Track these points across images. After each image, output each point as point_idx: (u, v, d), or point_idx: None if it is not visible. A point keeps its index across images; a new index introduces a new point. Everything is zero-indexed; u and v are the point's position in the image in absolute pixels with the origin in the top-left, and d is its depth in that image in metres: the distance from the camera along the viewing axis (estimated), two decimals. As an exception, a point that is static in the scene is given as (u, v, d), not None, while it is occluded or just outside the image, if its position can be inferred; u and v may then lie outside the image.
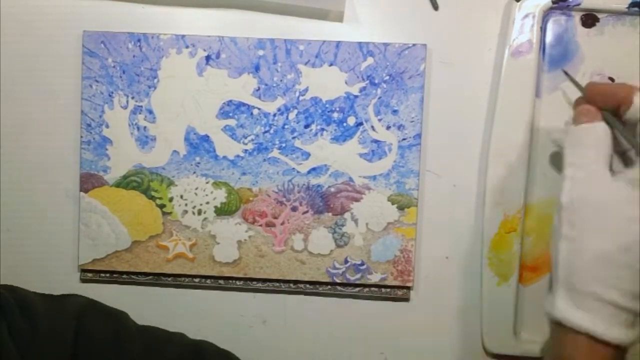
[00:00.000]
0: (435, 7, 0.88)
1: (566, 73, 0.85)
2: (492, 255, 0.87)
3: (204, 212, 0.89)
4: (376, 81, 0.86)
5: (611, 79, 0.87)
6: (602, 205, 0.68)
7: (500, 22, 0.88)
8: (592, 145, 0.71)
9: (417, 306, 0.90)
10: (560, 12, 0.87)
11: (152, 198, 0.89)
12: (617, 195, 0.68)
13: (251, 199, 0.88)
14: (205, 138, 0.88)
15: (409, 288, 0.89)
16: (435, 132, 0.88)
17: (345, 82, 0.87)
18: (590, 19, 0.87)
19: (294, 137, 0.88)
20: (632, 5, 0.85)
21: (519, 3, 0.85)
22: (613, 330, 0.66)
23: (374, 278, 0.88)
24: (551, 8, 0.86)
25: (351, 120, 0.87)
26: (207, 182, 0.89)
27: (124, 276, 0.91)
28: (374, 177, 0.87)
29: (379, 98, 0.86)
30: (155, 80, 0.88)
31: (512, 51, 0.85)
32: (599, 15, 0.87)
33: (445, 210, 0.90)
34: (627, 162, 0.75)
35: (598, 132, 0.72)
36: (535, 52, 0.85)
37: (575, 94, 0.78)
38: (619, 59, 0.87)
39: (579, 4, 0.85)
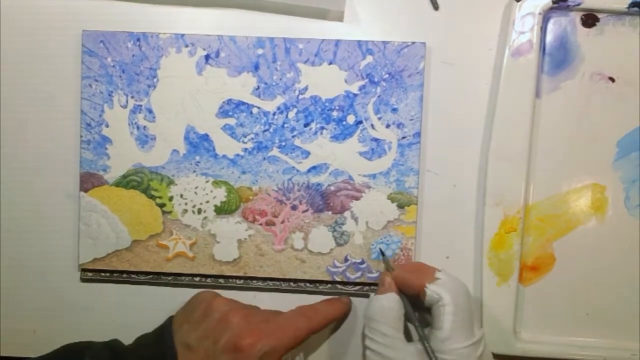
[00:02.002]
0: (436, 7, 0.88)
1: (382, 252, 0.88)
2: (492, 255, 0.87)
3: (204, 211, 0.89)
4: (376, 79, 0.86)
5: (611, 79, 0.87)
6: None
7: (501, 22, 0.88)
8: (384, 314, 0.80)
9: (417, 305, 0.91)
10: (561, 12, 0.87)
11: (152, 197, 0.89)
12: (410, 356, 0.78)
13: (251, 197, 0.89)
14: (205, 137, 0.88)
15: (409, 286, 0.89)
16: (435, 132, 0.89)
17: (345, 81, 0.87)
18: (590, 19, 0.87)
19: (293, 136, 0.88)
20: (632, 5, 0.85)
21: (519, 3, 0.85)
22: None
23: (374, 276, 0.88)
24: (551, 8, 0.86)
25: (351, 119, 0.87)
26: (207, 181, 0.89)
27: (124, 275, 0.91)
28: (374, 176, 0.87)
29: (379, 96, 0.86)
30: (155, 80, 0.88)
31: (512, 51, 0.85)
32: (599, 15, 0.87)
33: (445, 210, 0.90)
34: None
35: (390, 303, 0.81)
36: (536, 52, 0.85)
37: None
38: (619, 59, 0.87)
39: (579, 4, 0.85)
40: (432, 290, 0.78)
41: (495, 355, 0.89)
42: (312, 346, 0.92)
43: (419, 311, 0.82)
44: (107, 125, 0.89)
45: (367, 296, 0.89)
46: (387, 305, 0.80)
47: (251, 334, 0.79)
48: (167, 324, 0.84)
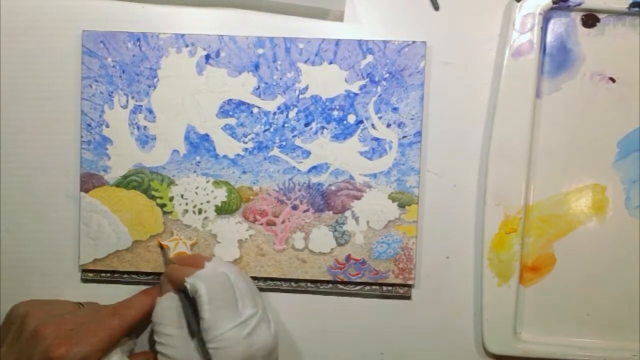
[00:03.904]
0: (436, 7, 0.88)
1: (160, 246, 0.90)
2: (493, 256, 0.87)
3: (205, 212, 0.89)
4: (376, 79, 0.86)
5: (612, 80, 0.87)
6: (186, 358, 0.80)
7: (501, 22, 0.88)
8: (165, 315, 0.82)
9: (418, 304, 0.90)
10: (561, 12, 0.87)
11: (153, 197, 0.89)
12: (193, 351, 0.80)
13: (252, 197, 0.88)
14: (206, 137, 0.88)
15: (410, 286, 0.89)
16: (435, 131, 0.89)
17: (345, 80, 0.87)
18: (590, 19, 0.87)
19: (294, 136, 0.88)
20: (632, 5, 0.85)
21: (519, 3, 0.85)
22: None
23: (375, 276, 0.88)
24: (552, 8, 0.86)
25: (351, 118, 0.87)
26: (207, 181, 0.89)
27: (125, 276, 0.91)
28: (375, 175, 0.87)
29: (379, 96, 0.86)
30: (155, 80, 0.88)
31: (512, 51, 0.85)
32: (600, 16, 0.87)
33: (445, 210, 0.90)
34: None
35: (168, 304, 0.82)
36: (536, 52, 0.85)
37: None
38: (620, 59, 0.87)
39: (579, 5, 0.85)
40: (189, 283, 0.79)
41: (495, 355, 0.89)
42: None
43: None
44: (107, 126, 0.89)
45: (368, 296, 0.90)
46: (166, 305, 0.82)
47: (62, 344, 0.77)
48: None
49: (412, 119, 0.86)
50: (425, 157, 0.89)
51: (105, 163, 0.89)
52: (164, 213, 0.89)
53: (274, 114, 0.87)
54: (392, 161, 0.87)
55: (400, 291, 0.89)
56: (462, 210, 0.90)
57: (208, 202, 0.89)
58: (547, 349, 0.89)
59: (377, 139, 0.87)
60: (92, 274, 0.91)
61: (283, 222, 0.89)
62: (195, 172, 0.88)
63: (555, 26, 0.87)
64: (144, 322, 0.86)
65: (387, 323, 0.91)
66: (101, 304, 0.88)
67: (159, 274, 0.90)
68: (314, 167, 0.88)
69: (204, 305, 0.77)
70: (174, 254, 0.88)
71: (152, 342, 0.88)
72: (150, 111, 0.88)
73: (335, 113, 0.87)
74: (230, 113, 0.88)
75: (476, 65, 0.88)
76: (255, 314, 0.79)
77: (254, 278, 0.89)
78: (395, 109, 0.86)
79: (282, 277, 0.89)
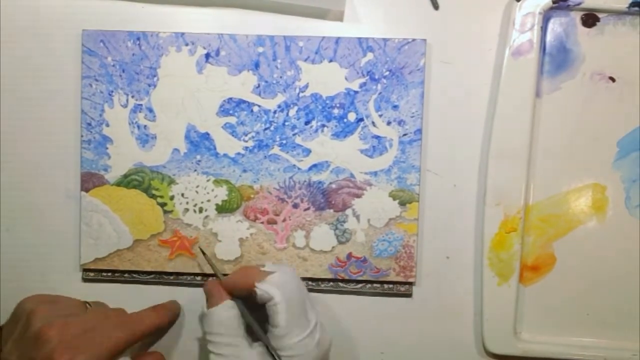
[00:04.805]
0: (436, 6, 0.88)
1: (203, 252, 0.89)
2: (493, 256, 0.87)
3: (205, 210, 0.89)
4: (376, 77, 0.86)
5: (612, 79, 0.87)
6: None
7: (501, 22, 0.88)
8: (223, 325, 0.79)
9: (419, 302, 0.90)
10: (561, 11, 0.87)
11: (153, 197, 0.89)
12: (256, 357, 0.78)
13: (252, 196, 0.88)
14: (206, 136, 0.88)
15: (411, 284, 0.89)
16: (436, 130, 0.89)
17: (345, 78, 0.87)
18: (590, 19, 0.87)
19: (294, 134, 0.88)
20: (632, 5, 0.85)
21: (519, 3, 0.85)
22: None
23: (377, 274, 0.88)
24: (551, 8, 0.86)
25: (352, 116, 0.87)
26: (208, 180, 0.89)
27: (126, 275, 0.91)
28: (375, 173, 0.87)
29: (379, 93, 0.87)
30: (155, 79, 0.88)
31: (512, 51, 0.85)
32: (600, 15, 0.87)
33: (445, 210, 0.90)
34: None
35: (227, 312, 0.80)
36: (536, 52, 0.85)
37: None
38: (620, 59, 0.87)
39: (579, 4, 0.85)
40: (261, 289, 0.77)
41: (495, 355, 0.89)
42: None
43: (258, 309, 0.81)
44: (107, 125, 0.89)
45: (369, 294, 0.90)
46: (225, 315, 0.80)
47: (66, 351, 0.76)
48: None
49: (412, 117, 0.87)
50: (426, 157, 0.89)
51: (105, 162, 0.89)
52: (165, 212, 0.89)
53: (274, 112, 0.88)
54: (393, 159, 0.87)
55: (401, 289, 0.89)
56: (462, 210, 0.90)
57: (209, 200, 0.89)
58: (547, 348, 0.89)
59: (377, 137, 0.87)
60: (93, 274, 0.91)
61: (284, 220, 0.89)
62: (195, 171, 0.88)
63: (555, 26, 0.87)
64: (150, 337, 0.87)
65: (388, 321, 0.91)
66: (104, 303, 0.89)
67: (160, 273, 0.90)
68: (315, 166, 0.88)
69: (281, 313, 0.76)
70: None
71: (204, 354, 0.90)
72: (151, 110, 0.88)
73: (336, 111, 0.87)
74: (231, 112, 0.88)
75: (476, 64, 0.89)
76: (318, 321, 0.79)
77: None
78: (395, 107, 0.87)
79: (283, 275, 0.89)
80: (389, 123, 0.87)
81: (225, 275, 0.84)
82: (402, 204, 0.87)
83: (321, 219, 0.88)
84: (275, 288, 0.77)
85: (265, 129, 0.88)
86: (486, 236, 0.88)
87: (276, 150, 0.88)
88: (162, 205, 0.89)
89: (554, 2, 0.85)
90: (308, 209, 0.88)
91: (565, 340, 0.89)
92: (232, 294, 0.81)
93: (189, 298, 0.91)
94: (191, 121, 0.88)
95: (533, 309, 0.90)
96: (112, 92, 0.88)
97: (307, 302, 0.80)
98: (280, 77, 0.87)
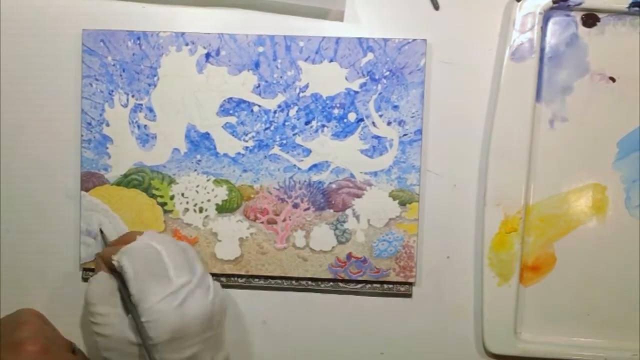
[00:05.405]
0: (436, 6, 0.88)
1: (101, 231, 0.90)
2: (493, 256, 0.87)
3: (205, 210, 0.89)
4: (376, 77, 0.86)
5: (612, 79, 0.87)
6: (123, 335, 0.79)
7: (501, 22, 0.88)
8: (97, 295, 0.81)
9: (419, 303, 0.90)
10: (561, 12, 0.87)
11: (153, 196, 0.89)
12: (128, 328, 0.79)
13: (252, 196, 0.88)
14: (206, 135, 0.88)
15: (411, 284, 0.89)
16: (436, 131, 0.89)
17: (346, 78, 0.87)
18: (591, 19, 0.87)
19: (294, 134, 0.88)
20: (632, 5, 0.85)
21: (519, 3, 0.85)
22: None
23: (377, 274, 0.88)
24: (552, 8, 0.86)
25: (352, 116, 0.87)
26: (208, 180, 0.89)
27: (126, 275, 0.90)
28: (375, 173, 0.87)
29: (380, 94, 0.87)
30: (155, 78, 0.88)
31: (512, 51, 0.85)
32: (600, 15, 0.87)
33: (445, 210, 0.90)
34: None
35: (100, 283, 0.82)
36: (536, 52, 0.85)
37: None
38: (620, 59, 0.87)
39: (579, 4, 0.85)
40: (115, 260, 0.79)
41: (495, 355, 0.89)
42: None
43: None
44: (107, 125, 0.89)
45: (369, 295, 0.90)
46: (98, 285, 0.82)
47: None
48: None
49: (412, 117, 0.87)
50: (426, 157, 0.89)
51: (105, 162, 0.89)
52: (165, 212, 0.89)
53: (275, 112, 0.87)
54: (393, 159, 0.87)
55: (401, 289, 0.89)
56: (462, 210, 0.90)
57: (209, 200, 0.89)
58: (547, 348, 0.89)
59: (377, 137, 0.87)
60: (93, 273, 0.90)
61: (284, 220, 0.89)
62: (195, 170, 0.88)
63: (555, 26, 0.87)
64: None
65: (387, 321, 0.91)
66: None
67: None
68: (315, 165, 0.88)
69: (130, 280, 0.77)
70: None
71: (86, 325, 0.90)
72: (151, 110, 0.88)
73: (336, 111, 0.87)
74: (231, 111, 0.88)
75: (476, 64, 0.88)
76: (189, 283, 0.78)
77: (254, 277, 0.90)
78: (395, 107, 0.87)
79: (283, 275, 0.89)
80: (389, 123, 0.87)
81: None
82: (402, 204, 0.87)
83: (321, 219, 0.88)
84: (125, 257, 0.79)
85: (266, 128, 0.88)
86: (486, 236, 0.88)
87: (276, 150, 0.88)
88: (162, 205, 0.89)
89: (554, 2, 0.85)
90: (308, 209, 0.88)
91: (565, 340, 0.89)
92: (108, 267, 0.83)
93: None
94: (191, 121, 0.88)
95: (533, 309, 0.90)
96: (112, 91, 0.88)
97: (181, 266, 0.80)
98: (281, 77, 0.87)
